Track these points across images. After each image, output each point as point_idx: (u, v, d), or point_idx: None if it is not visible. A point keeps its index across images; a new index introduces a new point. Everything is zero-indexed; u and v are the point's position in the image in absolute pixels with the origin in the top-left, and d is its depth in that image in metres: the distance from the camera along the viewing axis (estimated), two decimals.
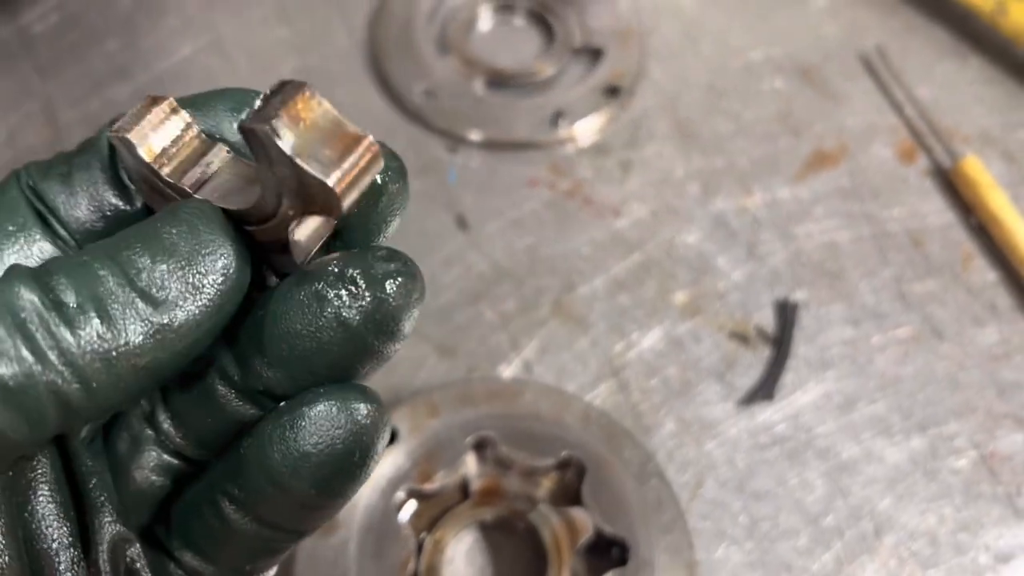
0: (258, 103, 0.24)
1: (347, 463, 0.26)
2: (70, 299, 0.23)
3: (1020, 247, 0.64)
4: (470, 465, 0.54)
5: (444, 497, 0.53)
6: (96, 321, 0.23)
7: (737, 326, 0.62)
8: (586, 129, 0.70)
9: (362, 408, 0.26)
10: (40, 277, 0.23)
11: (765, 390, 0.59)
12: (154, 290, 0.24)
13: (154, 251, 0.24)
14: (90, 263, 0.24)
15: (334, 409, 0.26)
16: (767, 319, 0.62)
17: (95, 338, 0.23)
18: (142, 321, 0.24)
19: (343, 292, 0.25)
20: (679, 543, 0.51)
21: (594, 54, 0.74)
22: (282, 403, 0.27)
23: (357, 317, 0.25)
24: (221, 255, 0.25)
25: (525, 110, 0.70)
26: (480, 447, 0.54)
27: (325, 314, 0.25)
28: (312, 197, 0.25)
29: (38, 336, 0.22)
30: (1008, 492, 0.56)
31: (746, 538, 0.54)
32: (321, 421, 0.26)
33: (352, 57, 0.74)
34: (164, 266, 0.24)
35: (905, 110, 0.73)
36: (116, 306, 0.23)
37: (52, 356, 0.22)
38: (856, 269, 0.65)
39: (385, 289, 0.26)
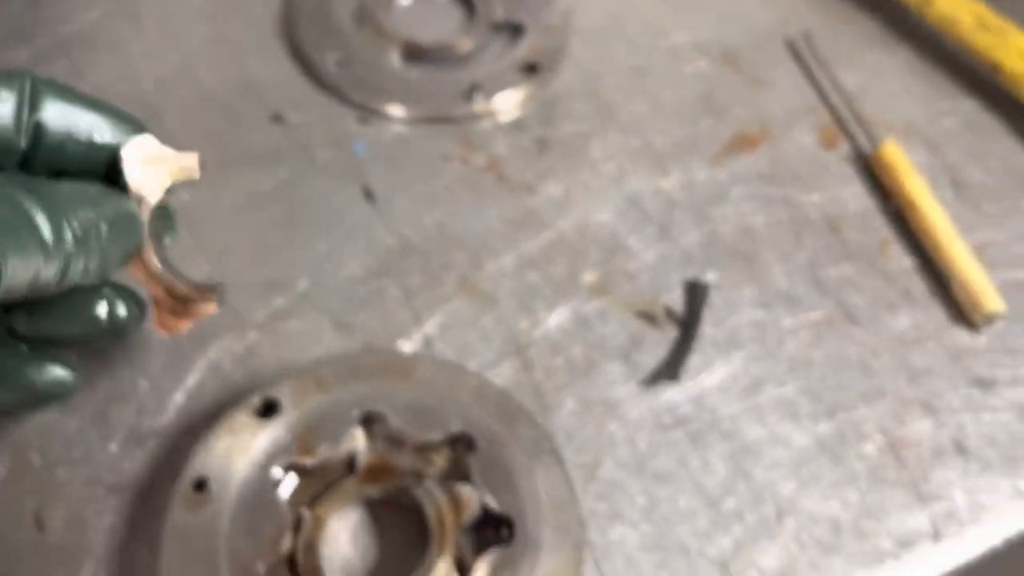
0: None
1: None
2: None
3: (936, 233, 0.63)
4: (358, 440, 0.51)
5: (328, 472, 0.51)
6: None
7: (646, 306, 0.60)
8: (503, 105, 0.68)
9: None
10: None
11: (670, 371, 0.57)
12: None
13: None
14: None
15: None
16: (677, 300, 0.61)
17: None
18: None
19: None
20: (569, 522, 0.49)
21: (515, 30, 0.72)
22: None
23: None
24: None
25: (441, 84, 0.69)
26: (368, 422, 0.52)
27: None
28: None
29: None
30: (914, 478, 0.55)
31: (643, 520, 0.52)
32: None
33: (265, 25, 0.72)
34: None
35: (830, 97, 0.72)
36: None
37: None
38: (771, 253, 0.63)
39: None
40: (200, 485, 0.48)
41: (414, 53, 0.70)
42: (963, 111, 0.72)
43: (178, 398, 0.55)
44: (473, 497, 0.49)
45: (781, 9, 0.77)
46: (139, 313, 0.40)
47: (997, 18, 0.73)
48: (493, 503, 0.49)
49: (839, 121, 0.71)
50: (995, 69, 0.71)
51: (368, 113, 0.68)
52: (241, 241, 0.61)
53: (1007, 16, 0.73)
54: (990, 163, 0.69)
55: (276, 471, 0.49)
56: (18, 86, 0.35)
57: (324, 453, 0.50)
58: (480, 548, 0.49)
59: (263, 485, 0.49)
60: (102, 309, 0.38)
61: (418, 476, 0.51)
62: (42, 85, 0.36)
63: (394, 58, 0.70)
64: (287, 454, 0.49)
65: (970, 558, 0.54)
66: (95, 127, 0.38)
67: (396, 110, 0.67)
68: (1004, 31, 0.72)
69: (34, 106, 0.36)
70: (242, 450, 0.49)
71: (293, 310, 0.59)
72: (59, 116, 0.36)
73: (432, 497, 0.49)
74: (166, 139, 0.66)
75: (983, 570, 0.55)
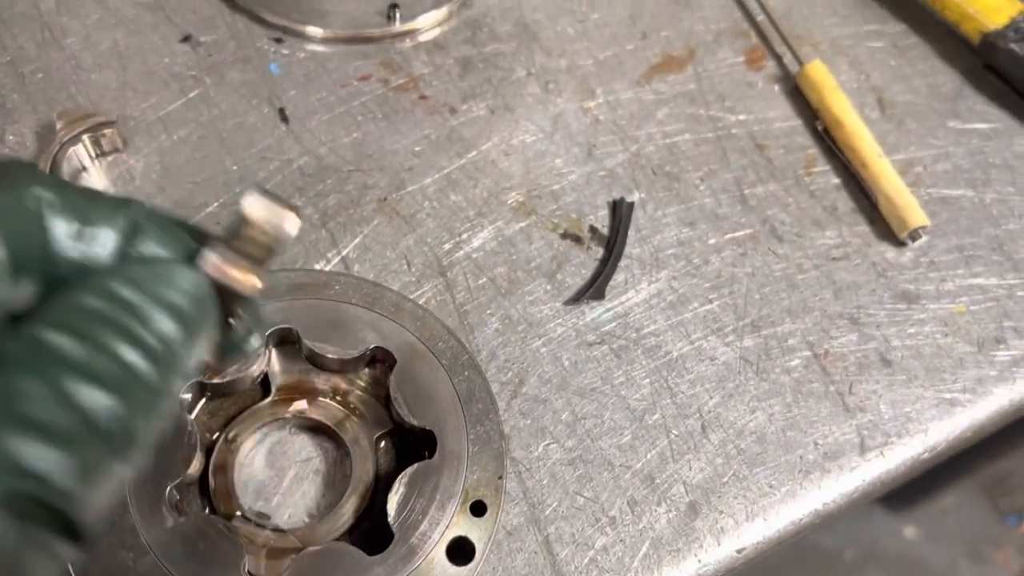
0: None
1: None
2: None
3: (862, 150, 0.62)
4: (272, 361, 0.49)
5: (243, 395, 0.49)
6: None
7: (571, 226, 0.59)
8: (424, 24, 0.66)
9: None
10: None
11: (596, 289, 0.56)
12: None
13: None
14: None
15: None
16: (603, 221, 0.60)
17: None
18: None
19: None
20: (490, 435, 0.48)
21: None
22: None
23: None
24: None
25: (359, 3, 0.66)
26: (282, 342, 0.50)
27: None
28: None
29: None
30: (840, 391, 0.55)
31: (568, 436, 0.51)
32: None
33: None
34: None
35: (756, 17, 0.71)
36: None
37: None
38: (697, 172, 0.62)
39: None
40: None
41: None
42: (889, 32, 0.72)
43: None
44: (387, 413, 0.47)
45: None
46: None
47: None
48: (413, 419, 0.47)
49: (765, 41, 0.70)
50: None
51: (283, 33, 0.65)
52: (150, 164, 0.58)
53: None
54: (915, 83, 0.69)
55: (184, 393, 0.47)
56: (120, 224, 0.29)
57: (234, 373, 0.48)
58: (402, 465, 0.47)
59: None
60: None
61: (336, 395, 0.49)
62: (143, 220, 0.29)
63: None
64: (196, 375, 0.47)
65: (895, 468, 0.54)
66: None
67: (312, 29, 0.64)
68: None
69: (131, 244, 0.29)
70: None
71: None
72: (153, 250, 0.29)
73: (349, 416, 0.47)
74: (70, 59, 0.63)
75: (907, 478, 0.55)
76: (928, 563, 1.70)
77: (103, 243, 0.28)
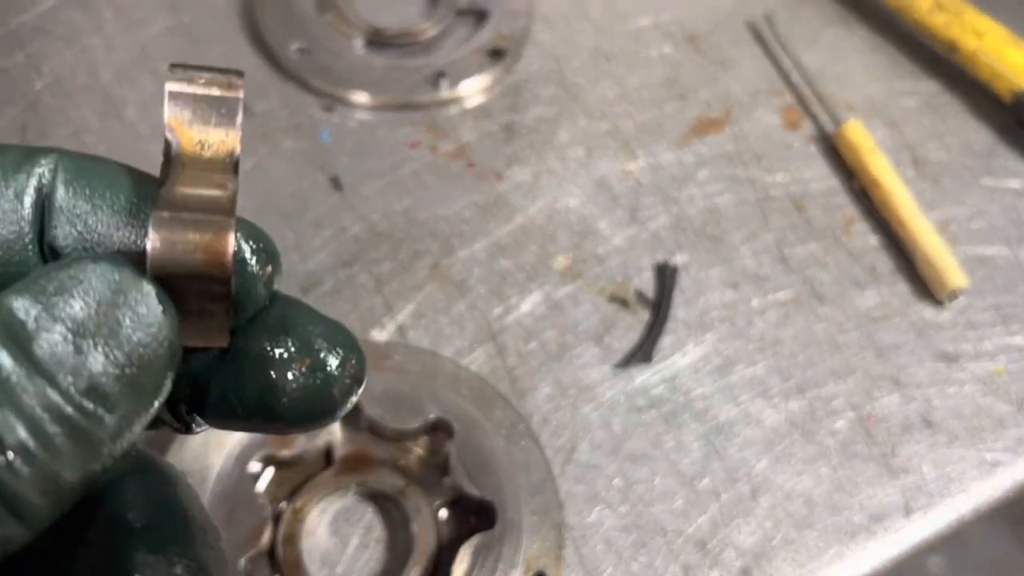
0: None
1: None
2: None
3: (899, 210, 0.64)
4: (334, 431, 0.51)
5: (307, 465, 0.51)
6: None
7: (617, 290, 0.61)
8: (469, 91, 0.68)
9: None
10: None
11: (643, 353, 0.58)
12: None
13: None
14: None
15: None
16: (648, 283, 0.61)
17: None
18: None
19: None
20: (548, 504, 0.49)
21: (479, 15, 0.72)
22: None
23: None
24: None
25: (406, 71, 0.68)
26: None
27: None
28: None
29: None
30: (883, 452, 0.56)
31: (620, 501, 0.53)
32: None
33: (226, 14, 0.71)
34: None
35: (792, 77, 0.73)
36: None
37: None
38: (738, 233, 0.64)
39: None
40: None
41: (378, 40, 0.70)
42: (922, 90, 0.73)
43: None
44: (447, 483, 0.49)
45: None
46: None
47: None
48: (473, 489, 0.49)
49: (801, 101, 0.71)
50: (951, 48, 0.72)
51: (332, 101, 0.67)
52: None
53: None
54: (949, 141, 0.70)
55: (254, 465, 0.49)
56: (35, 182, 0.23)
57: (301, 445, 0.50)
58: (462, 534, 0.49)
59: (241, 479, 0.48)
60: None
61: (396, 466, 0.51)
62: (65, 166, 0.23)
63: (357, 45, 0.69)
64: (264, 447, 0.49)
65: (940, 529, 0.55)
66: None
67: (361, 97, 0.66)
68: (959, 10, 0.73)
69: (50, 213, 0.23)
70: (218, 444, 0.49)
71: None
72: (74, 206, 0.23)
73: (412, 487, 0.49)
74: (130, 130, 0.65)
75: (952, 539, 0.56)
76: None
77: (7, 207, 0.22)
